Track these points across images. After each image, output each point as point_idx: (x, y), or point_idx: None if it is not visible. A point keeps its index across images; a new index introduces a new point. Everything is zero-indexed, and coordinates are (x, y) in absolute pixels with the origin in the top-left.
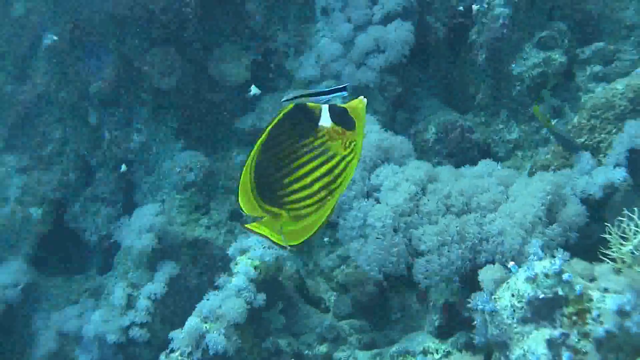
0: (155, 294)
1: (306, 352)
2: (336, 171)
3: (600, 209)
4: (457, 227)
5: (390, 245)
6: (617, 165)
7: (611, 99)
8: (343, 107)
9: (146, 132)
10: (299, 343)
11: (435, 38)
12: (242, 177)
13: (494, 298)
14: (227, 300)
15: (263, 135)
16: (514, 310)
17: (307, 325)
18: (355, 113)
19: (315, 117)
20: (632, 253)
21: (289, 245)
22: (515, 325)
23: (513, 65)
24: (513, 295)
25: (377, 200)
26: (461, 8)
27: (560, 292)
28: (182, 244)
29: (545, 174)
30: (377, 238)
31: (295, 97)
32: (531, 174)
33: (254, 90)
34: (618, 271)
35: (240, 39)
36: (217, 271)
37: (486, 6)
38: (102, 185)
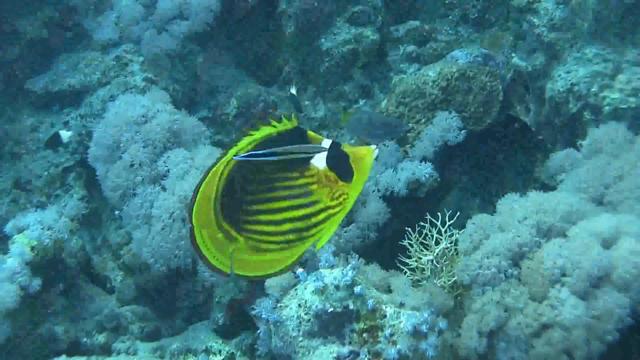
0: None
1: (84, 339)
2: (313, 220)
3: (406, 204)
4: None
5: (177, 237)
6: (423, 159)
7: (422, 87)
8: (346, 153)
9: None
10: (77, 330)
11: (245, 6)
12: (205, 180)
13: (280, 306)
14: None
15: (246, 143)
16: (300, 322)
17: (88, 309)
18: (358, 163)
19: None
20: (432, 264)
21: (237, 275)
22: (300, 338)
23: (323, 40)
24: (300, 306)
25: (164, 188)
26: None
27: (351, 306)
28: None
29: None
30: (163, 229)
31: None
32: None
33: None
34: (417, 283)
35: None
36: None
37: None
38: None
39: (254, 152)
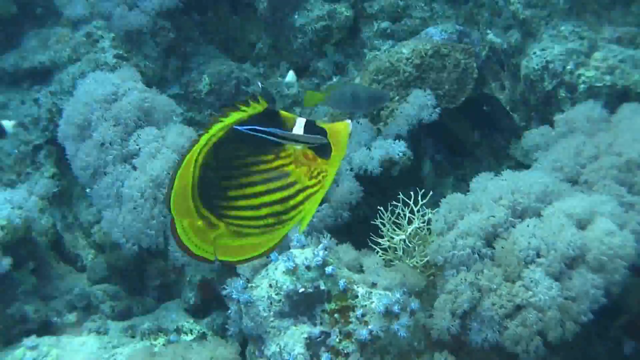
0: None
1: (55, 319)
2: (291, 202)
3: (380, 183)
4: None
5: (148, 217)
6: (397, 137)
7: (396, 64)
8: (322, 128)
9: None
10: (48, 309)
11: None
12: (180, 168)
13: (251, 286)
14: None
15: (217, 129)
16: (270, 303)
17: (59, 288)
18: (335, 138)
19: (284, 130)
20: (405, 243)
21: (220, 261)
22: (272, 319)
23: (296, 16)
24: (271, 286)
25: (134, 167)
26: None
27: (322, 287)
28: None
29: None
30: (135, 209)
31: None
32: None
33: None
34: (389, 263)
35: None
36: None
37: None
38: None
39: (255, 127)
